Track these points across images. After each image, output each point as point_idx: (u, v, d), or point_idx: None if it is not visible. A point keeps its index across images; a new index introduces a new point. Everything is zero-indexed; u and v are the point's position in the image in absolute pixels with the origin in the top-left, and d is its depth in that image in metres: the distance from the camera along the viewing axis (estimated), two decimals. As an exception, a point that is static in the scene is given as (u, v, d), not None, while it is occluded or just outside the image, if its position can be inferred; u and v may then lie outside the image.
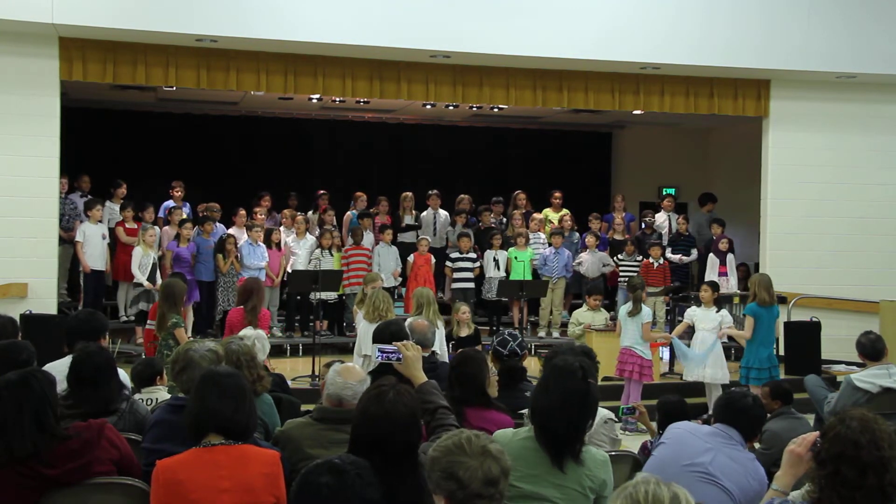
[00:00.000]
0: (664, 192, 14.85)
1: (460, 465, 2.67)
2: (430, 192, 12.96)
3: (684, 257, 12.28)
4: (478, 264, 11.85)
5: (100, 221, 10.92)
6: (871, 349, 6.55)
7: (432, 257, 11.77)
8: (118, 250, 11.12)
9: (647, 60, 10.76)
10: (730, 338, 9.18)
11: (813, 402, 7.37)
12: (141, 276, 10.48)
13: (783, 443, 5.34)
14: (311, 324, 10.66)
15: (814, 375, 7.86)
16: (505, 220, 13.05)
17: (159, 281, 10.66)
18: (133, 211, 11.35)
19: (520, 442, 3.53)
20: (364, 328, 7.78)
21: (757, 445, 5.08)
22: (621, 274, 12.02)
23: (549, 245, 12.13)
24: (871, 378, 6.42)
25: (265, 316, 8.28)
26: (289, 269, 11.22)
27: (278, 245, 11.42)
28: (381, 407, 3.19)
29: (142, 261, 10.55)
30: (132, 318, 10.89)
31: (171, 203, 12.30)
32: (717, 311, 8.91)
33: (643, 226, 13.10)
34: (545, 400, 3.51)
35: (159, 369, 5.40)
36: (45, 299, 9.69)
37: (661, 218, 13.21)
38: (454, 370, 4.47)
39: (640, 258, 12.04)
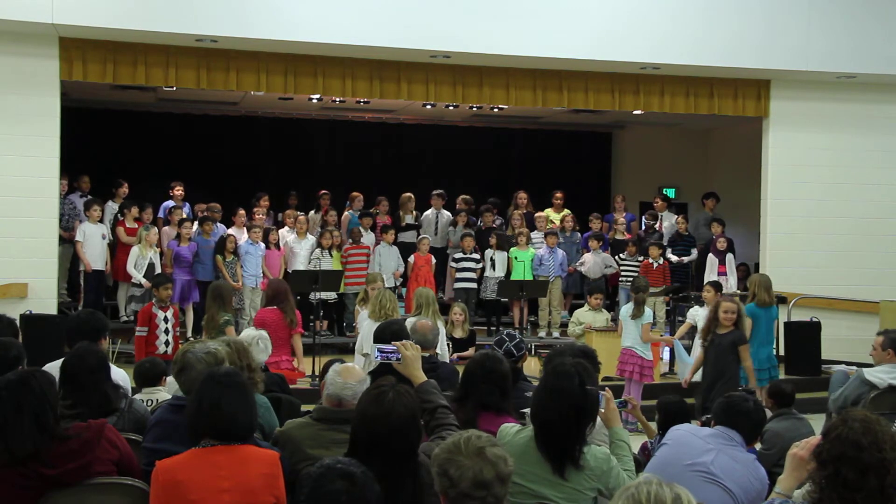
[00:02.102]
0: (664, 193, 14.84)
1: (453, 464, 2.68)
2: (433, 192, 12.94)
3: (683, 257, 12.27)
4: (481, 265, 11.85)
5: (99, 221, 10.93)
6: None
7: (433, 257, 11.77)
8: (118, 250, 11.12)
9: (647, 60, 10.75)
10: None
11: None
12: (137, 275, 10.47)
13: (784, 442, 5.36)
14: (311, 324, 10.66)
15: (841, 373, 7.81)
16: (501, 219, 13.05)
17: (156, 280, 10.68)
18: (138, 210, 11.37)
19: (523, 440, 3.55)
20: (368, 327, 7.78)
21: (758, 446, 5.08)
22: (622, 274, 12.02)
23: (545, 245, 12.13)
24: (882, 374, 6.42)
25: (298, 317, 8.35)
26: (289, 270, 11.23)
27: (276, 245, 11.41)
28: (380, 407, 3.20)
29: (137, 260, 10.55)
30: (131, 317, 10.88)
31: (171, 203, 12.31)
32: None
33: (644, 226, 13.09)
34: (543, 408, 3.53)
35: (163, 369, 5.39)
36: (45, 299, 9.70)
37: (667, 218, 13.23)
38: (481, 367, 4.24)
39: (641, 258, 12.05)
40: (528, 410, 3.87)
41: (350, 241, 11.61)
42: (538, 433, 3.52)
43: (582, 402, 3.51)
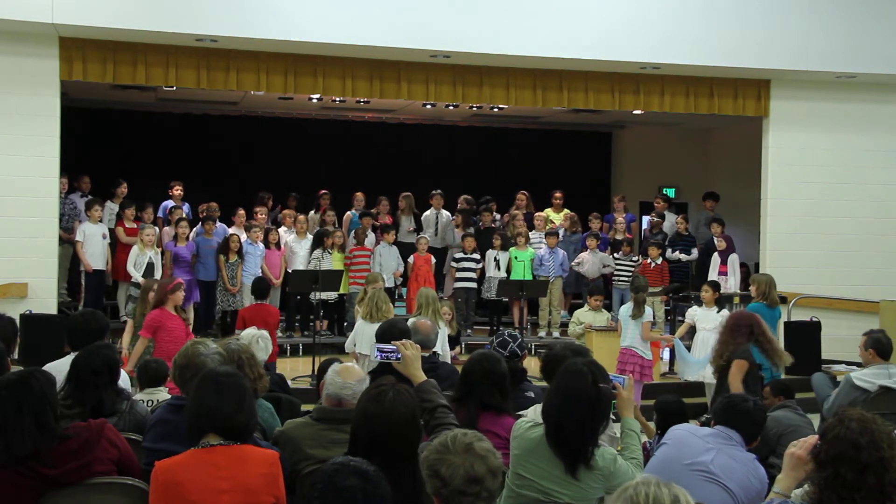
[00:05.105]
0: (664, 192, 14.86)
1: (443, 463, 2.70)
2: (433, 192, 12.95)
3: (685, 255, 12.28)
4: (481, 265, 11.85)
5: (100, 221, 10.93)
6: (888, 347, 6.55)
7: (432, 257, 11.78)
8: (118, 250, 11.13)
9: (647, 60, 10.75)
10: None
11: (818, 401, 7.38)
12: (136, 274, 10.46)
13: (781, 426, 5.40)
14: (311, 324, 10.67)
15: (821, 374, 7.87)
16: (499, 218, 13.05)
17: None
18: (135, 210, 11.39)
19: (535, 436, 3.57)
20: (360, 327, 7.81)
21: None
22: (616, 274, 12.04)
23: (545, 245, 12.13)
24: (870, 377, 6.42)
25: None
26: (289, 270, 11.23)
27: (277, 244, 11.42)
28: (380, 407, 3.20)
29: (137, 259, 10.55)
30: (130, 317, 10.88)
31: (170, 203, 12.32)
32: (719, 311, 8.90)
33: (649, 226, 13.07)
34: (557, 409, 3.54)
35: (166, 371, 5.37)
36: (45, 299, 9.70)
37: (668, 218, 13.24)
38: (480, 367, 4.29)
39: (636, 258, 12.05)
40: (524, 413, 3.89)
41: (354, 242, 11.62)
42: (552, 434, 3.54)
43: (595, 401, 3.53)
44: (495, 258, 11.76)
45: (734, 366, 6.27)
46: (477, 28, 10.23)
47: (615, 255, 12.22)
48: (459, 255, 11.90)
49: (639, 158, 16.64)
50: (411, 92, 10.85)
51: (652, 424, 5.82)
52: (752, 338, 6.35)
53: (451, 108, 13.11)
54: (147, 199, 12.07)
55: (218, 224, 11.56)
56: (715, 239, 11.84)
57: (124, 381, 4.96)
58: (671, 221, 13.19)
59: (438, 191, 12.94)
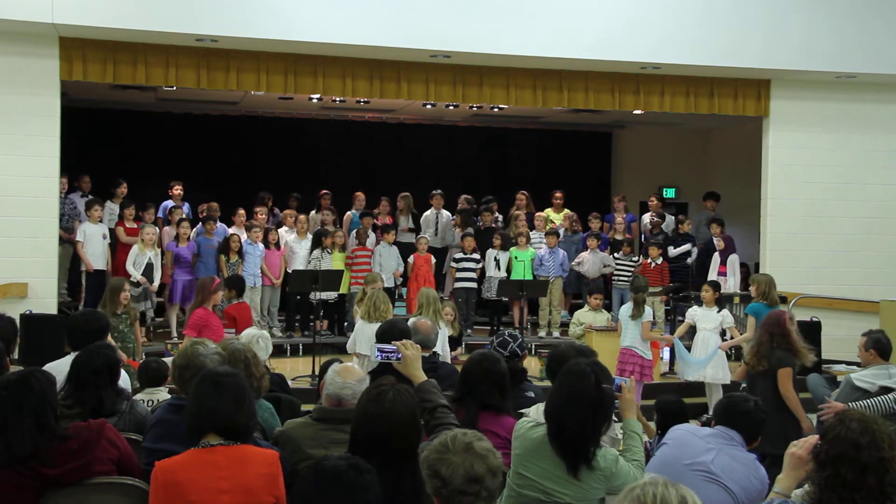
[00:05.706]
0: (661, 192, 14.84)
1: (443, 462, 2.71)
2: (433, 192, 12.94)
3: (682, 248, 12.25)
4: (481, 265, 11.85)
5: (100, 221, 10.93)
6: (888, 348, 6.54)
7: (432, 257, 11.78)
8: (118, 250, 11.13)
9: (647, 60, 10.75)
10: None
11: (815, 402, 7.37)
12: (136, 273, 10.46)
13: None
14: (311, 324, 10.67)
15: (816, 375, 7.88)
16: (500, 217, 13.06)
17: (156, 281, 10.69)
18: (135, 210, 11.39)
19: (537, 436, 3.57)
20: (360, 327, 7.81)
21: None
22: (616, 274, 12.03)
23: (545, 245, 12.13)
24: (870, 378, 6.42)
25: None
26: (289, 270, 11.23)
27: (277, 244, 11.42)
28: (380, 407, 3.20)
29: (136, 259, 10.55)
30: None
31: (170, 203, 12.32)
32: (719, 311, 8.90)
33: (651, 226, 13.07)
34: (559, 409, 3.54)
35: (166, 371, 5.38)
36: (45, 299, 9.70)
37: (669, 218, 13.24)
38: (480, 366, 4.30)
39: (636, 258, 12.04)
40: (525, 411, 3.89)
41: (356, 242, 11.63)
42: (553, 433, 3.54)
43: (597, 401, 3.54)
44: (495, 258, 11.76)
45: (783, 375, 5.97)
46: (477, 28, 10.22)
47: (615, 255, 12.21)
48: (459, 255, 11.90)
49: (639, 158, 16.64)
50: (411, 92, 10.85)
51: (652, 424, 5.81)
52: (783, 339, 6.12)
53: (451, 108, 13.12)
54: (147, 199, 12.06)
55: (218, 224, 11.58)
56: (714, 239, 11.84)
57: (124, 381, 4.96)
58: (669, 221, 13.19)
59: (438, 191, 12.94)
